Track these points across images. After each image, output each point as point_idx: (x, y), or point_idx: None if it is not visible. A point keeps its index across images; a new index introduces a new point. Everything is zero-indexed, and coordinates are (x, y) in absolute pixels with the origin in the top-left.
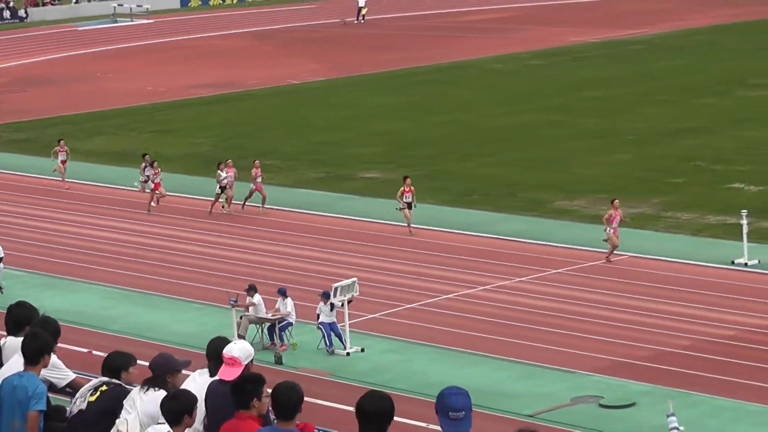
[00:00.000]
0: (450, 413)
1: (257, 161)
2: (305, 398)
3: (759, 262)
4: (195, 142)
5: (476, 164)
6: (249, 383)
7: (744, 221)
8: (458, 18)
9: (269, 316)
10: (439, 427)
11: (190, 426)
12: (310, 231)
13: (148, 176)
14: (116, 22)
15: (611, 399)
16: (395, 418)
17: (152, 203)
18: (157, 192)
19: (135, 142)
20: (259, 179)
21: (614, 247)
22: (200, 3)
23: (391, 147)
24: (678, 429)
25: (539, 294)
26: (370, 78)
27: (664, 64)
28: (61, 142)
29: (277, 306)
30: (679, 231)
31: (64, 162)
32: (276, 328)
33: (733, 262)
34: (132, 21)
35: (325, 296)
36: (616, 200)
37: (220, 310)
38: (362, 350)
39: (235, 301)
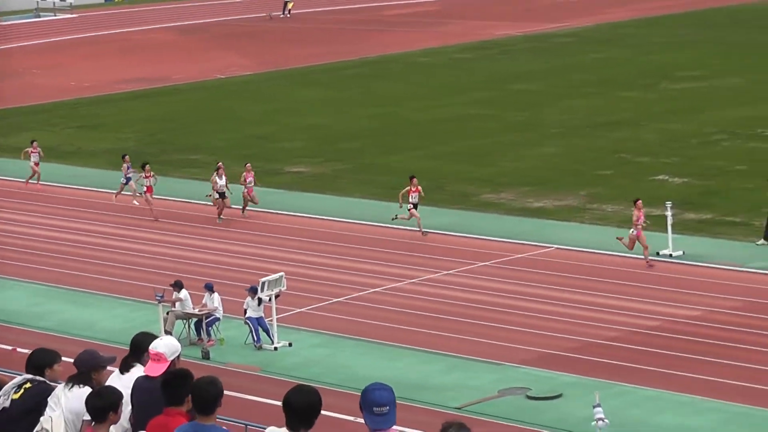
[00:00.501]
0: (374, 408)
1: (248, 164)
2: (235, 393)
3: (683, 253)
4: (121, 137)
5: (404, 158)
6: (180, 379)
7: (669, 213)
8: (383, 12)
9: (196, 311)
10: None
11: (115, 422)
12: (238, 226)
13: (129, 178)
14: (39, 16)
15: (539, 391)
16: (323, 412)
17: (135, 202)
18: (147, 195)
19: (59, 138)
20: (251, 183)
21: (642, 246)
22: None
23: (318, 141)
24: (603, 420)
25: (467, 287)
26: (297, 72)
27: (590, 57)
28: (34, 143)
29: (204, 301)
30: (604, 223)
31: (37, 164)
32: (203, 323)
33: (658, 254)
34: (55, 15)
35: (253, 291)
36: (639, 201)
37: (148, 306)
38: (290, 345)
39: (162, 297)
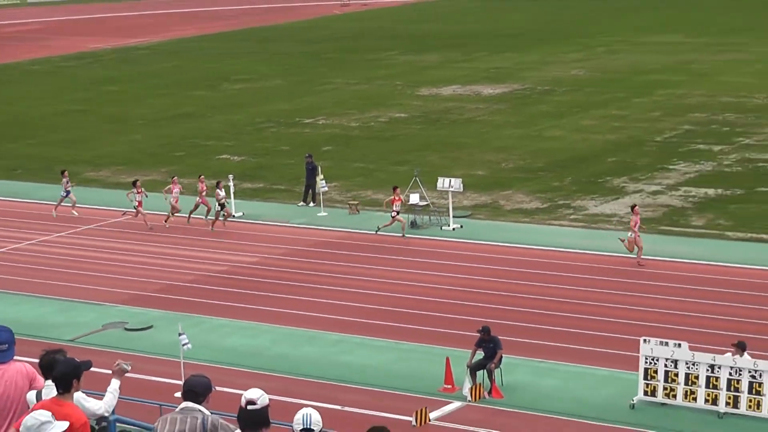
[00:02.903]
0: None
1: (202, 176)
2: None
3: (243, 214)
4: None
5: (20, 146)
6: None
7: (231, 183)
8: (1, 30)
9: None
10: None
11: None
12: None
13: (68, 191)
14: None
15: (134, 323)
16: None
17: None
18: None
19: None
20: (205, 193)
21: (636, 247)
22: None
23: None
24: (188, 345)
25: (74, 245)
26: None
27: (163, 65)
28: None
29: None
30: (183, 193)
31: None
32: None
33: (233, 216)
34: None
35: None
36: (636, 206)
37: None
38: None
39: None
